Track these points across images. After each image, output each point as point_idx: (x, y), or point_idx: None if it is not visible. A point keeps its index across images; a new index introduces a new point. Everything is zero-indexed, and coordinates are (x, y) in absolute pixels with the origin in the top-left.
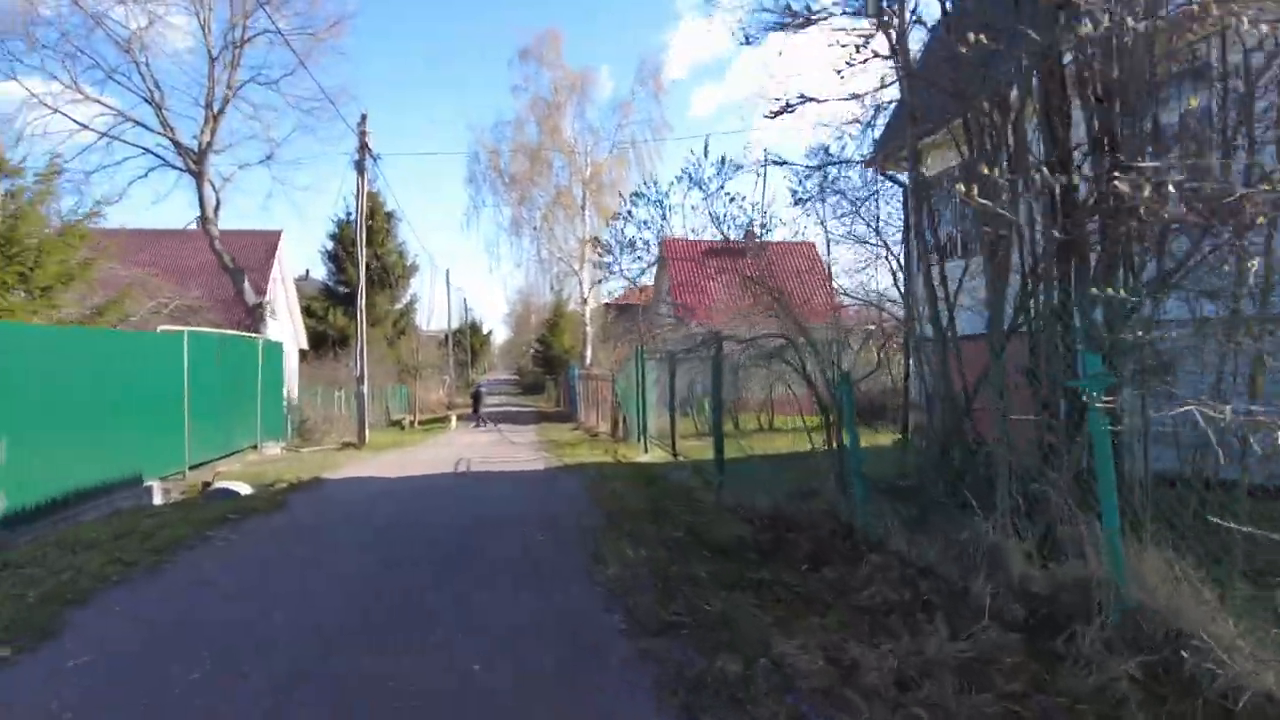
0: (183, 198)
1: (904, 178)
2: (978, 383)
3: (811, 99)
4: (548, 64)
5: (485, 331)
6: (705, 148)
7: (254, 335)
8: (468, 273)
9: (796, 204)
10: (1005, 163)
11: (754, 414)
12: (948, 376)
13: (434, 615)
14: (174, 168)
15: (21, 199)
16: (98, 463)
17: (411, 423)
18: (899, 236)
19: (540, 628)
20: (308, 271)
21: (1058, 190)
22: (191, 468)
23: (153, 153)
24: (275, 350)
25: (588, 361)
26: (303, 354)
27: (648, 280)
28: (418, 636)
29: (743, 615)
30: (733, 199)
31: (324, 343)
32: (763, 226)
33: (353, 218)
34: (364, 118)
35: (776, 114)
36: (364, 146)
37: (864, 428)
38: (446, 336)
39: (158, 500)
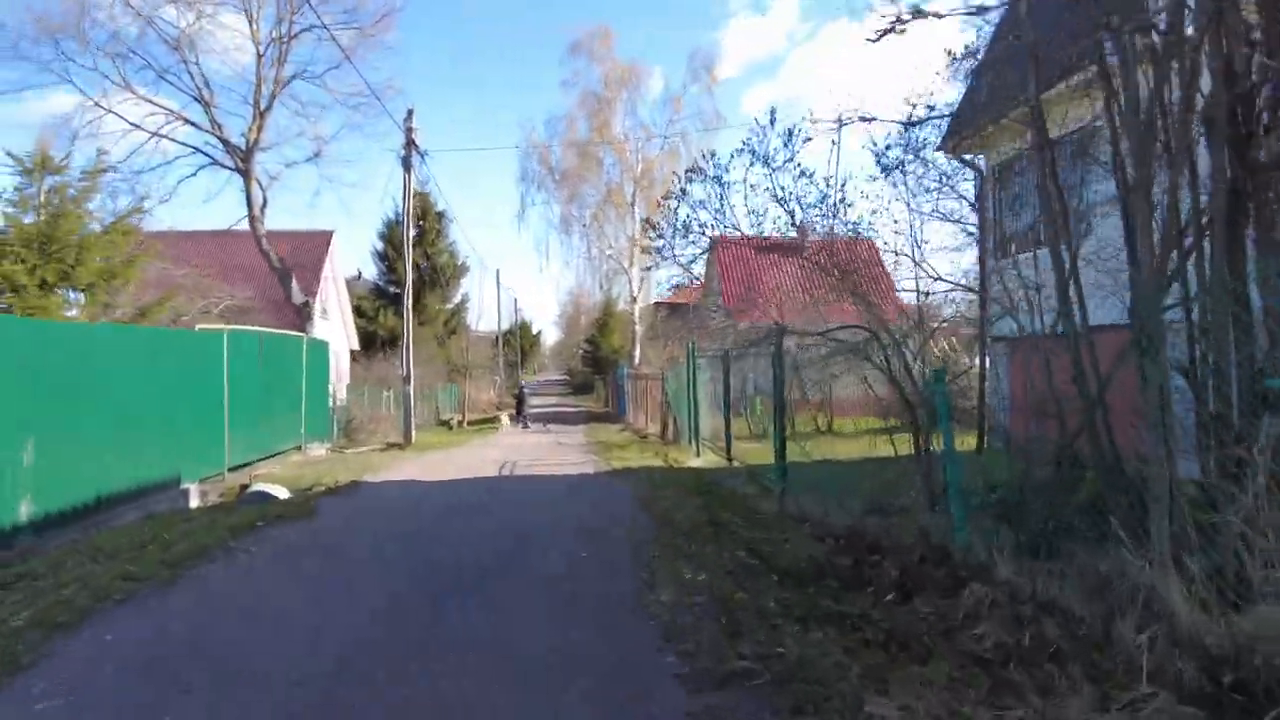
0: (233, 197)
1: (980, 162)
2: (1105, 381)
3: (921, 14)
4: (598, 58)
5: (535, 332)
6: (771, 116)
7: (298, 334)
8: (518, 274)
9: (883, 171)
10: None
11: (810, 415)
12: (1082, 375)
13: (462, 650)
14: (223, 166)
15: (65, 196)
16: (132, 465)
17: (460, 422)
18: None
19: (582, 669)
20: (360, 272)
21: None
22: (232, 469)
23: (202, 151)
24: (320, 349)
25: (636, 361)
26: (354, 354)
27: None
28: (441, 676)
29: (825, 661)
30: (803, 173)
31: (375, 343)
32: (841, 202)
33: (402, 218)
34: (410, 114)
35: (882, 34)
36: (410, 143)
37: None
38: (497, 337)
39: (194, 503)
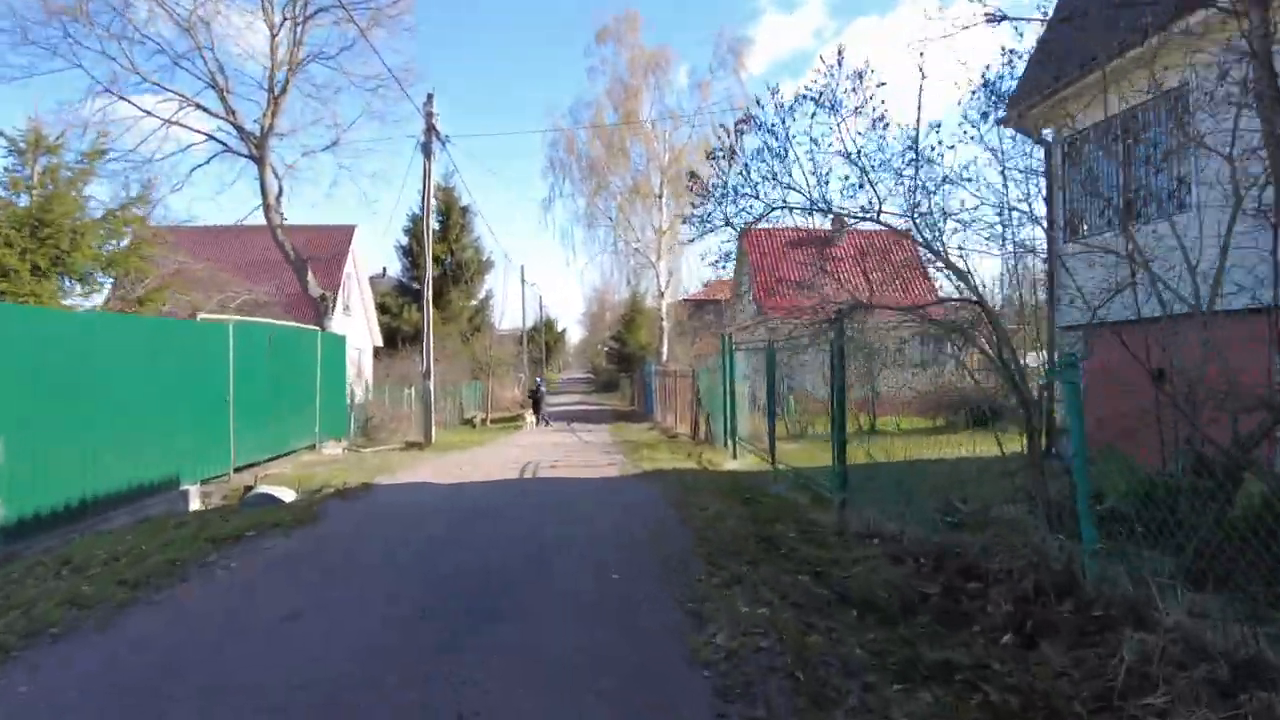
0: (249, 188)
1: (1048, 134)
2: None
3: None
4: (625, 44)
5: (560, 330)
6: (839, 56)
7: (312, 327)
8: (543, 271)
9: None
10: None
11: (851, 414)
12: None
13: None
14: (237, 154)
15: (58, 178)
16: (125, 465)
17: (484, 421)
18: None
19: None
20: (385, 269)
21: None
22: (238, 469)
23: (215, 139)
24: (336, 344)
25: (664, 358)
26: (377, 351)
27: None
28: None
29: None
30: (882, 119)
31: (398, 340)
32: (934, 149)
33: (424, 210)
34: (430, 98)
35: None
36: (431, 128)
37: (983, 431)
38: (522, 335)
39: (194, 505)
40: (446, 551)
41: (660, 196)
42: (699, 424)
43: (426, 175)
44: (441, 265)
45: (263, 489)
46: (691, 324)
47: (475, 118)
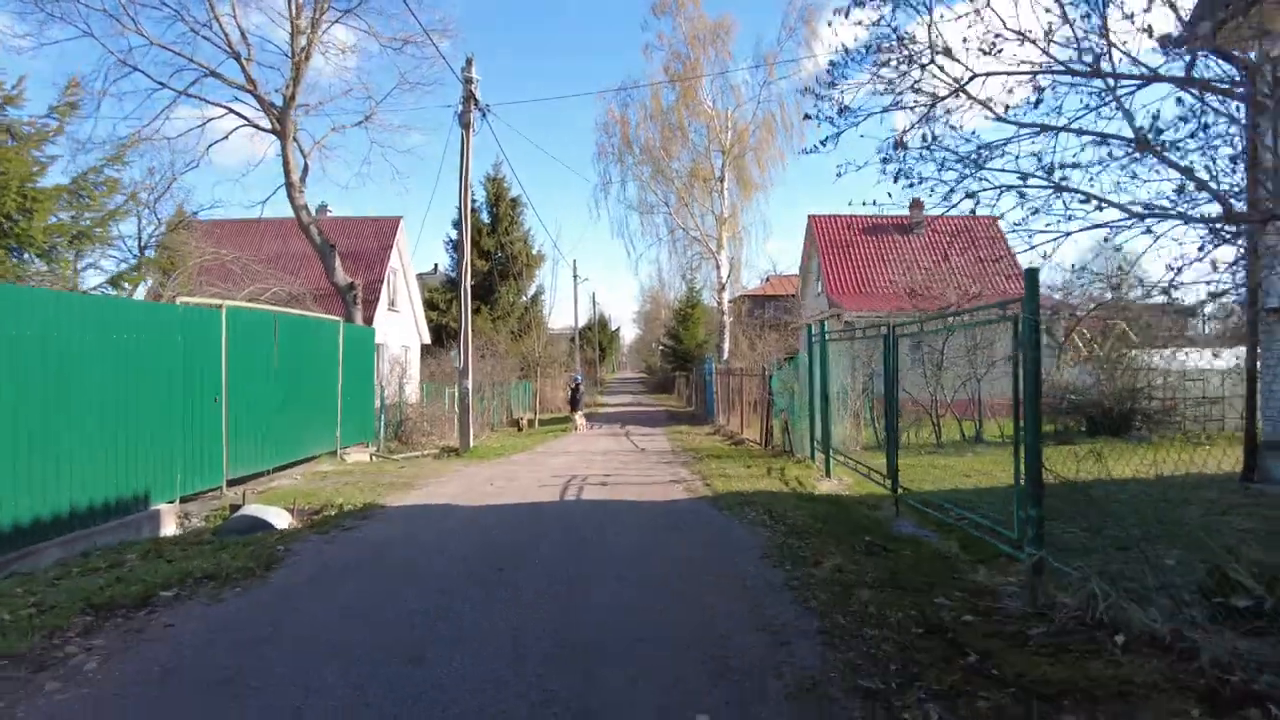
0: (277, 170)
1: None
2: None
3: None
4: (684, 15)
5: (614, 329)
6: None
7: (333, 318)
8: (594, 268)
9: None
10: None
11: (918, 416)
12: None
13: None
14: (258, 128)
15: (20, 133)
16: (62, 481)
17: (531, 422)
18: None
19: None
20: (436, 266)
21: None
22: (233, 482)
23: (234, 112)
24: (362, 338)
25: (725, 355)
26: (425, 349)
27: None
28: None
29: None
30: None
31: (445, 337)
32: None
33: (476, 202)
34: (469, 62)
35: None
36: (470, 97)
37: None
38: (574, 335)
39: (167, 530)
40: (444, 634)
41: (721, 180)
42: (771, 430)
43: (465, 150)
44: (490, 260)
45: (250, 510)
46: (752, 321)
47: (522, 106)
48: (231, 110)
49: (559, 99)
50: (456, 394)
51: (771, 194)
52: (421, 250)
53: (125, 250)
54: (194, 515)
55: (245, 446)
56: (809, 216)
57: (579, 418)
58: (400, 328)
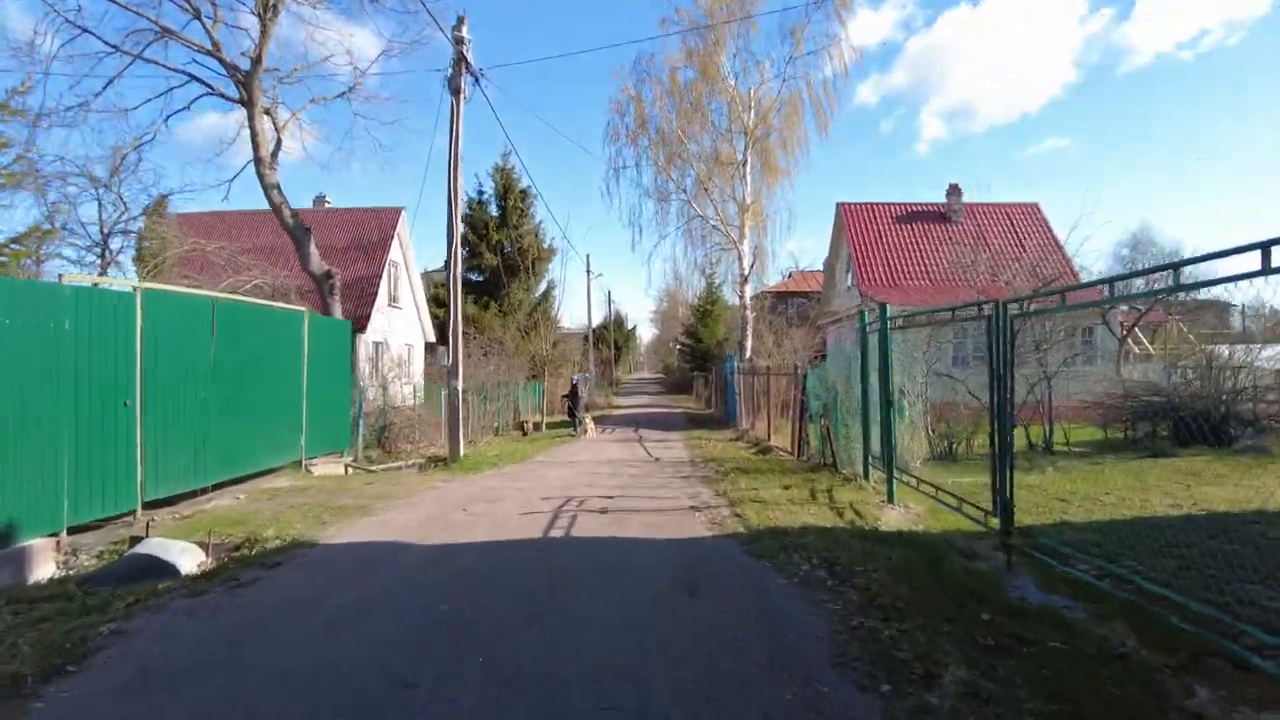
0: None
1: None
2: None
3: None
4: None
5: (630, 327)
6: None
7: (296, 307)
8: (612, 270)
9: None
10: None
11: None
12: None
13: None
14: (223, 96)
15: None
16: None
17: (538, 425)
18: None
19: None
20: (447, 262)
21: None
22: (158, 503)
23: (196, 79)
24: (334, 331)
25: (748, 353)
26: (430, 348)
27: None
28: None
29: None
30: None
31: (471, 338)
32: None
33: (484, 194)
34: (461, 20)
35: None
36: (461, 59)
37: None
38: (587, 335)
39: (38, 574)
40: None
41: (744, 164)
42: (805, 437)
43: (455, 119)
44: (500, 254)
45: (148, 547)
46: (775, 318)
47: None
48: (193, 77)
49: (564, 57)
50: (445, 396)
51: (797, 180)
52: (430, 247)
53: (88, 239)
54: (85, 550)
55: (172, 460)
56: (838, 204)
57: (589, 421)
58: (403, 324)
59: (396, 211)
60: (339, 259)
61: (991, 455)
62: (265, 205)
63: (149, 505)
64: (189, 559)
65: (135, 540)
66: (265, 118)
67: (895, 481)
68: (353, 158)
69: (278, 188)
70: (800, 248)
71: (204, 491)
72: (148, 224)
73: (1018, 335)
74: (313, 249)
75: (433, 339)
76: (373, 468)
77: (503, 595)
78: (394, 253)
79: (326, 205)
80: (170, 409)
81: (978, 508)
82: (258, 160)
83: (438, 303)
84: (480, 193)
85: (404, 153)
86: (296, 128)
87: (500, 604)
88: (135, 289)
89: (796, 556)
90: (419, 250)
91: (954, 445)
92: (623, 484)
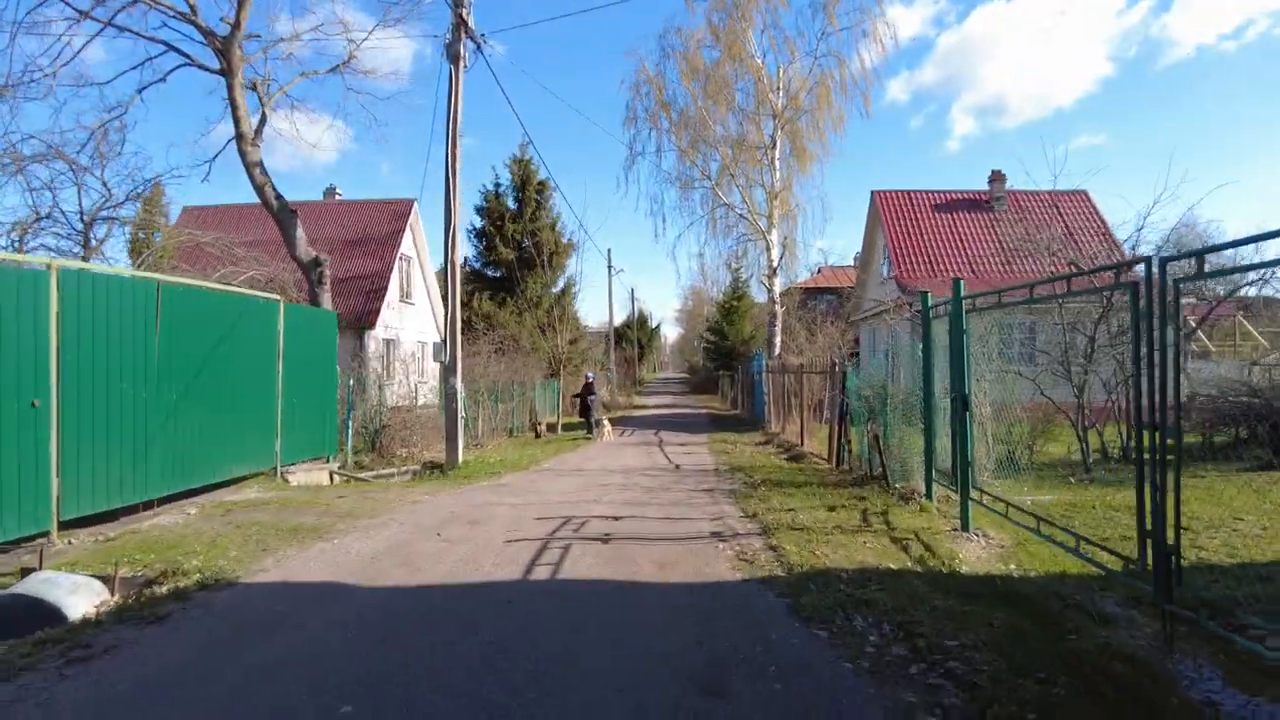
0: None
1: None
2: None
3: None
4: None
5: (654, 325)
6: None
7: (269, 296)
8: (635, 267)
9: None
10: None
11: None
12: None
13: None
14: (201, 67)
15: None
16: None
17: (553, 427)
18: None
19: None
20: (466, 258)
21: None
22: (85, 521)
23: (172, 48)
24: (318, 323)
25: (777, 350)
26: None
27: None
28: None
29: None
30: None
31: (469, 332)
32: None
33: (501, 187)
34: None
35: None
36: (460, 24)
37: None
38: (608, 334)
39: None
40: None
41: (772, 148)
42: (845, 444)
43: (454, 89)
44: (518, 248)
45: (31, 585)
46: (805, 314)
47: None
48: (170, 47)
49: (581, 26)
50: (441, 395)
51: (829, 166)
52: (434, 237)
53: (69, 227)
54: None
55: (100, 471)
56: (873, 193)
57: (606, 424)
58: (416, 321)
59: (409, 204)
60: (348, 252)
61: (1139, 482)
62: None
63: (69, 525)
64: (81, 600)
65: (26, 572)
66: (251, 92)
67: (973, 500)
68: (347, 137)
69: (260, 166)
70: (829, 245)
71: (148, 506)
72: (141, 213)
73: (1106, 320)
74: (300, 234)
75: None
76: (362, 475)
77: (434, 695)
78: (406, 246)
79: (337, 197)
80: (98, 411)
81: (1116, 555)
82: (239, 136)
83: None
84: (497, 185)
85: (409, 141)
86: (287, 106)
87: (426, 711)
88: (49, 265)
89: (860, 620)
90: (435, 246)
91: (1014, 452)
92: (635, 499)
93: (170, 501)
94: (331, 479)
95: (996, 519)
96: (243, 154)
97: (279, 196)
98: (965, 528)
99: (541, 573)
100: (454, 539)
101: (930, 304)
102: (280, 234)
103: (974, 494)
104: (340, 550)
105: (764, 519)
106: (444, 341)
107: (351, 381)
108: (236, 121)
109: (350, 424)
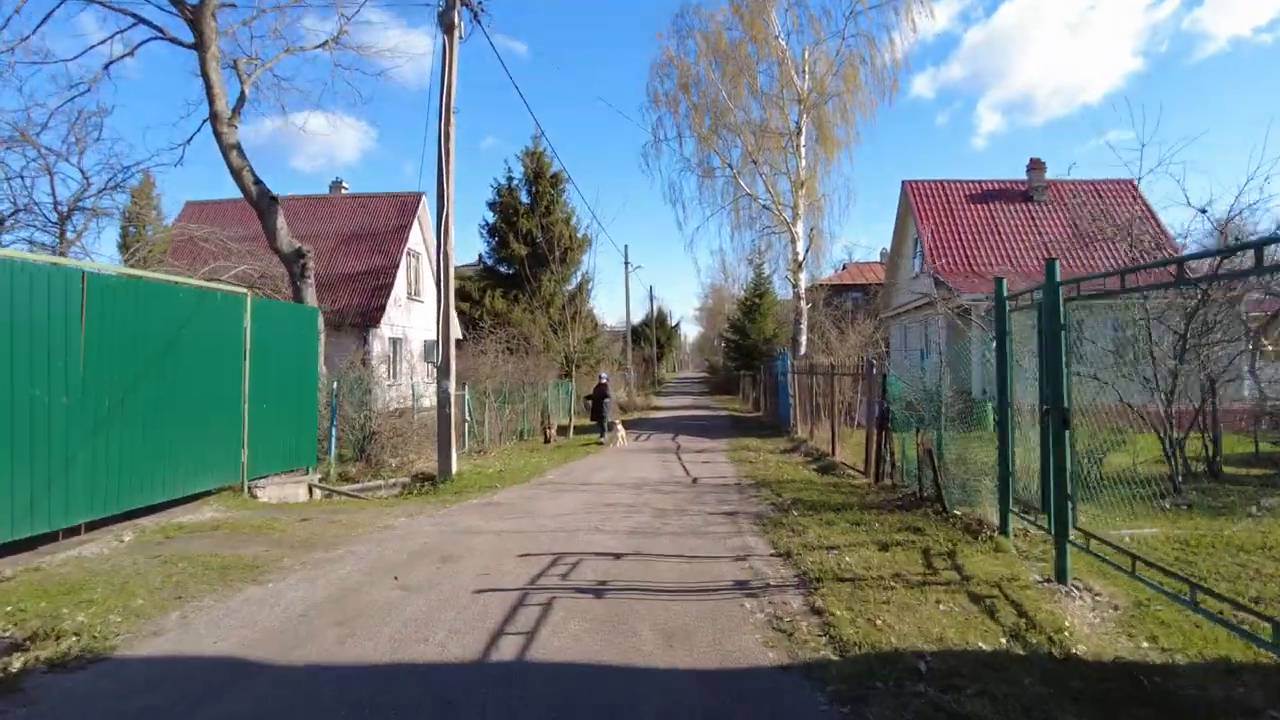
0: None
1: None
2: None
3: None
4: None
5: (674, 324)
6: None
7: (232, 289)
8: (653, 264)
9: None
10: None
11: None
12: None
13: None
14: (174, 41)
15: None
16: None
17: (565, 430)
18: None
19: None
20: (480, 257)
21: None
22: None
23: (143, 20)
24: (295, 320)
25: (802, 349)
26: (458, 344)
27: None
28: None
29: None
30: None
31: (474, 331)
32: None
33: (514, 180)
34: None
35: None
36: None
37: None
38: (625, 333)
39: None
40: None
41: (797, 134)
42: (886, 456)
43: (447, 62)
44: (531, 244)
45: None
46: (831, 311)
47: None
48: (139, 19)
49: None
50: (435, 398)
51: (858, 153)
52: (462, 238)
53: (44, 219)
54: None
55: (4, 493)
56: (904, 183)
57: (620, 428)
58: (424, 319)
59: (417, 197)
60: (353, 247)
61: None
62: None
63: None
64: None
65: None
66: (229, 70)
67: (1069, 544)
68: (330, 112)
69: (238, 149)
70: (853, 241)
71: (75, 532)
72: (131, 206)
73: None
74: (281, 223)
75: (459, 335)
76: (344, 489)
77: None
78: (414, 241)
79: (343, 191)
80: (14, 416)
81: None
82: (214, 115)
83: (463, 296)
84: (510, 179)
85: (383, 89)
86: (273, 88)
87: None
88: None
89: None
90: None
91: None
92: (643, 525)
93: (107, 525)
94: (311, 493)
95: (1091, 561)
96: (218, 135)
97: (258, 182)
98: (1061, 579)
99: (508, 648)
100: (413, 585)
101: (1005, 294)
102: (259, 221)
103: (1074, 535)
104: (270, 600)
105: (801, 560)
106: (437, 340)
107: (335, 384)
108: (211, 99)
109: (334, 432)
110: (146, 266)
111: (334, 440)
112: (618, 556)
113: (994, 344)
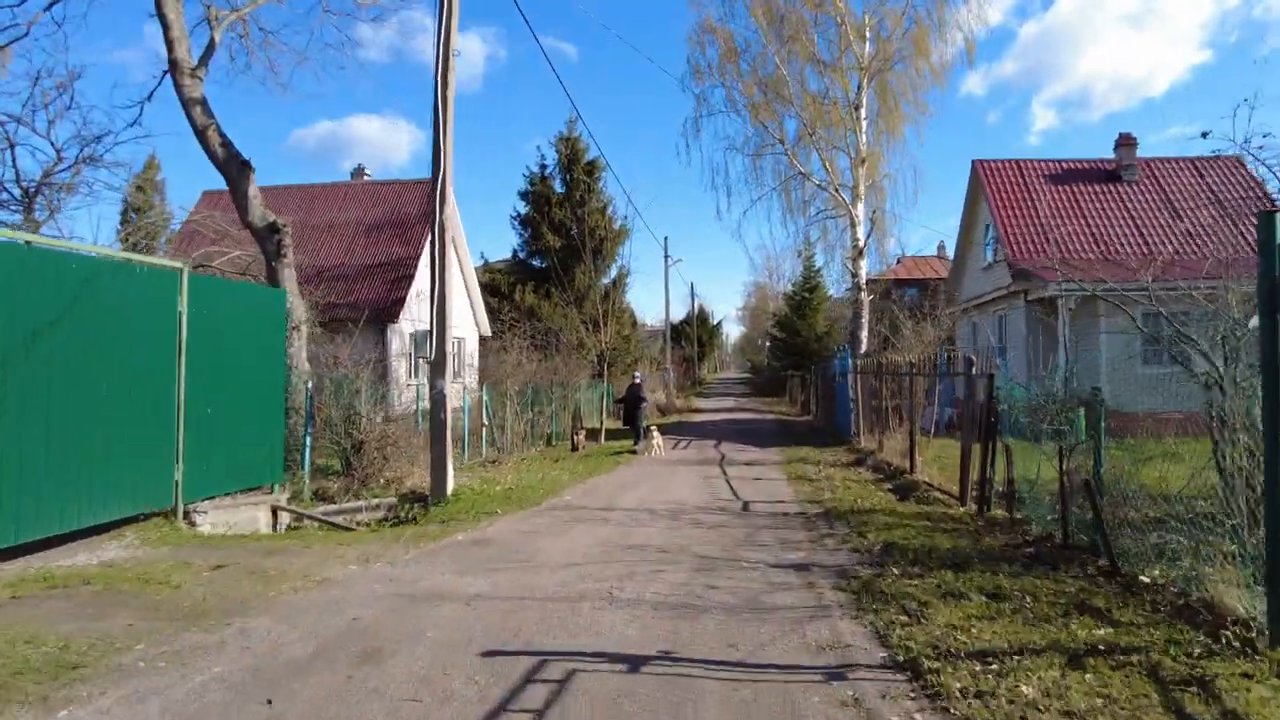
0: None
1: None
2: None
3: None
4: None
5: (715, 322)
6: None
7: (165, 263)
8: (694, 259)
9: None
10: None
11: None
12: None
13: None
14: None
15: None
16: None
17: (595, 434)
18: None
19: None
20: (514, 251)
21: None
22: None
23: None
24: (254, 305)
25: (863, 346)
26: (484, 342)
27: None
28: None
29: None
30: None
31: (496, 324)
32: None
33: (548, 167)
34: None
35: None
36: None
37: None
38: (664, 331)
39: None
40: None
41: (857, 108)
42: (989, 479)
43: (443, 26)
44: (565, 235)
45: None
46: (891, 306)
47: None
48: None
49: None
50: (429, 402)
51: (925, 129)
52: (491, 231)
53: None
54: None
55: None
56: (973, 163)
57: (656, 435)
58: (451, 312)
59: None
60: (373, 237)
61: None
62: (302, 179)
63: None
64: None
65: None
66: (200, 10)
67: None
68: (319, 73)
69: (203, 104)
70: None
71: None
72: (131, 189)
73: None
74: (254, 191)
75: (488, 332)
76: (314, 512)
77: None
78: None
79: (366, 177)
80: None
81: None
82: (173, 64)
83: (492, 291)
84: (543, 166)
85: (376, 44)
86: (260, 45)
87: None
88: None
89: None
90: (478, 236)
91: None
92: (678, 591)
93: None
94: (275, 517)
95: None
96: (179, 87)
97: (226, 144)
98: None
99: None
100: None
101: None
102: (229, 190)
103: None
104: None
105: (942, 687)
106: (430, 331)
107: (310, 384)
108: (170, 45)
109: (309, 440)
110: (148, 254)
111: (308, 451)
112: (636, 665)
113: (1217, 333)
